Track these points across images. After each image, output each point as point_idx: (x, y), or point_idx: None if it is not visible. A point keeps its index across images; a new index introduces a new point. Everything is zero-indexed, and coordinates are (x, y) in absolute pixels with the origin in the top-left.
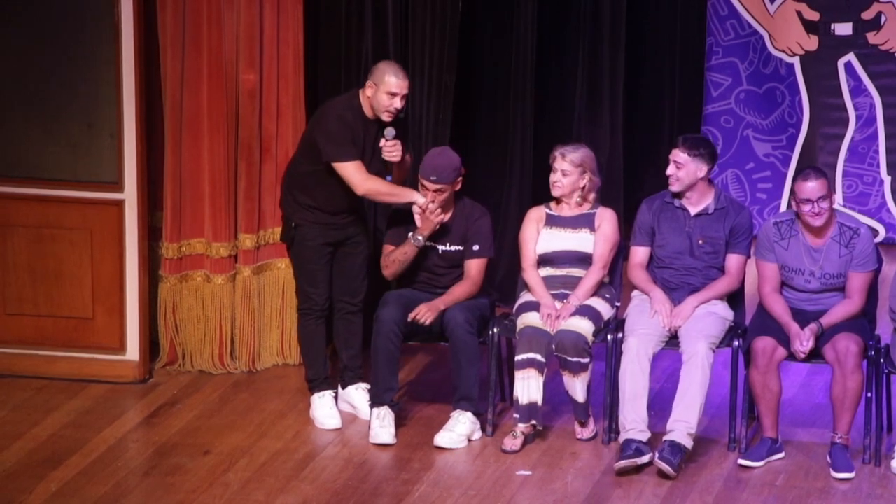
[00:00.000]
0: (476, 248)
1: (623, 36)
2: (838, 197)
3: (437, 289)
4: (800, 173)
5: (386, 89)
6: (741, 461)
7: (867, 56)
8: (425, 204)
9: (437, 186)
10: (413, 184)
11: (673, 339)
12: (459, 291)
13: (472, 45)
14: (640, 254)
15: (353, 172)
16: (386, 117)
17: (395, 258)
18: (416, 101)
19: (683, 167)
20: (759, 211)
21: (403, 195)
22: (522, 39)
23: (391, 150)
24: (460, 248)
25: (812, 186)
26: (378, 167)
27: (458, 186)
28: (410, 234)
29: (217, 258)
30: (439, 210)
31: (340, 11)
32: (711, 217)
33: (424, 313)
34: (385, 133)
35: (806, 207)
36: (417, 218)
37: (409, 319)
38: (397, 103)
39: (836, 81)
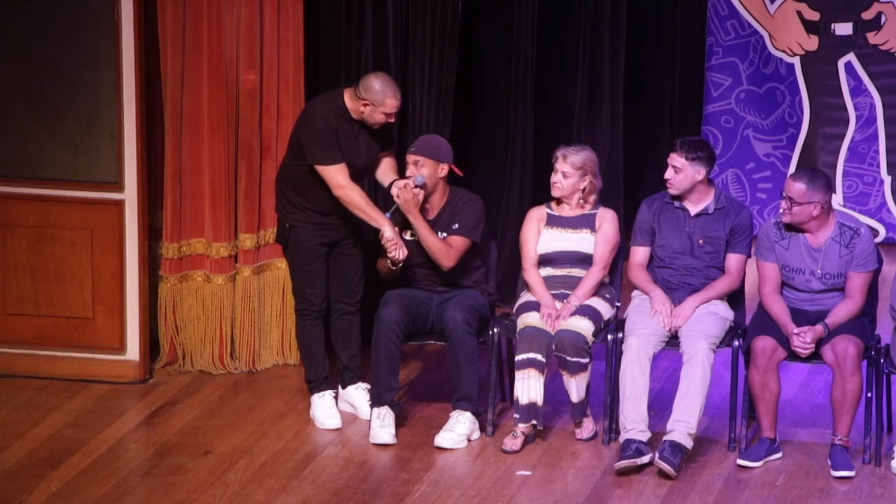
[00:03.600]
0: (455, 226)
1: (623, 36)
2: (838, 197)
3: (438, 286)
4: (798, 170)
5: (384, 110)
6: (739, 461)
7: (867, 56)
8: (386, 236)
9: (416, 158)
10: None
11: (673, 339)
12: (437, 239)
13: (472, 44)
14: (640, 254)
15: (334, 175)
16: (374, 127)
17: (379, 268)
18: (416, 101)
19: (681, 171)
20: (759, 211)
21: (375, 218)
22: (523, 39)
23: (405, 195)
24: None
25: (797, 188)
26: (363, 163)
27: (444, 172)
28: (388, 261)
29: (217, 258)
30: (398, 243)
31: (340, 11)
32: (711, 217)
33: (393, 245)
34: (416, 181)
35: (783, 203)
36: (386, 245)
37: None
38: (391, 119)
39: (837, 81)
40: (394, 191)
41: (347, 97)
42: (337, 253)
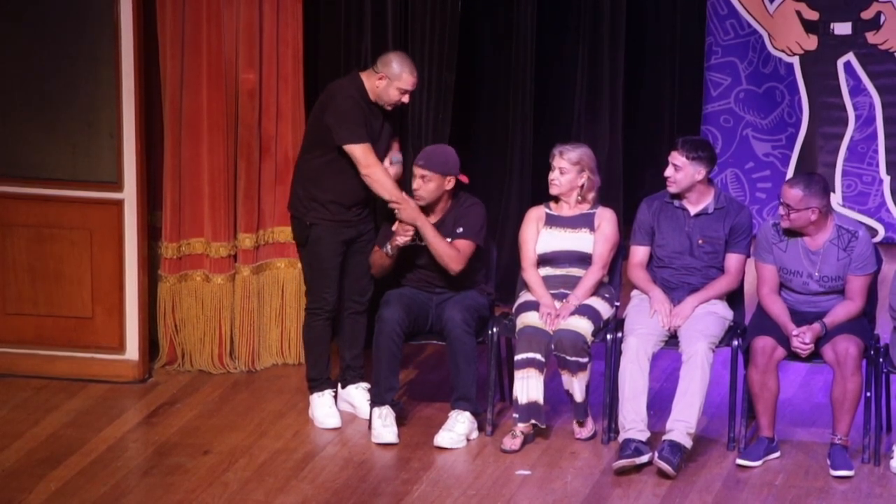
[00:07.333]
0: (460, 230)
1: (623, 35)
2: (838, 196)
3: (437, 287)
4: (795, 176)
5: (399, 85)
6: (739, 461)
7: (866, 55)
8: (399, 205)
9: (423, 172)
10: (407, 185)
11: (672, 339)
12: (445, 244)
13: (472, 44)
14: (639, 253)
15: (364, 154)
16: (388, 107)
17: (373, 260)
18: (416, 101)
19: (681, 170)
20: (758, 211)
21: (398, 197)
22: (522, 39)
23: (405, 213)
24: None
25: (793, 194)
26: (381, 147)
27: (450, 185)
28: (387, 246)
29: (216, 258)
30: (410, 229)
31: (340, 11)
32: (711, 217)
33: (404, 230)
34: (392, 159)
35: (781, 210)
36: (398, 228)
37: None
38: (405, 98)
39: (836, 81)
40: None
41: (364, 78)
42: (350, 251)
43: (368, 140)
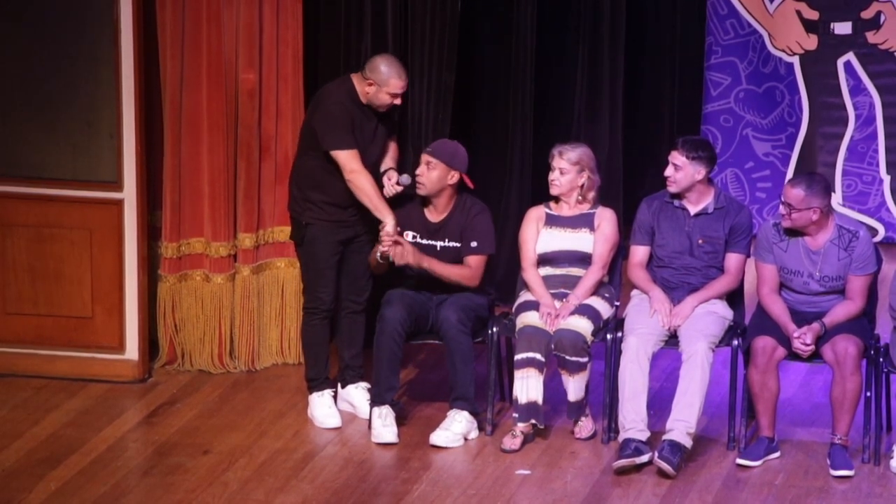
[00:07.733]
0: (474, 244)
1: (623, 35)
2: (838, 196)
3: (437, 287)
4: (796, 176)
5: (388, 90)
6: (739, 461)
7: (867, 55)
8: (387, 229)
9: (429, 159)
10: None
11: (672, 339)
12: (455, 268)
13: (472, 44)
14: (639, 253)
15: (348, 160)
16: (381, 110)
17: (371, 259)
18: (416, 101)
19: (681, 170)
20: (758, 210)
21: (380, 209)
22: (522, 39)
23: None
24: (458, 244)
25: (794, 194)
26: (374, 150)
27: (453, 180)
28: (378, 251)
29: (216, 257)
30: (394, 245)
31: (340, 11)
32: (711, 217)
33: (397, 252)
34: (400, 180)
35: (782, 209)
36: (383, 239)
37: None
38: (397, 101)
39: (836, 81)
40: (384, 244)
41: (355, 80)
42: (348, 251)
43: (354, 146)
